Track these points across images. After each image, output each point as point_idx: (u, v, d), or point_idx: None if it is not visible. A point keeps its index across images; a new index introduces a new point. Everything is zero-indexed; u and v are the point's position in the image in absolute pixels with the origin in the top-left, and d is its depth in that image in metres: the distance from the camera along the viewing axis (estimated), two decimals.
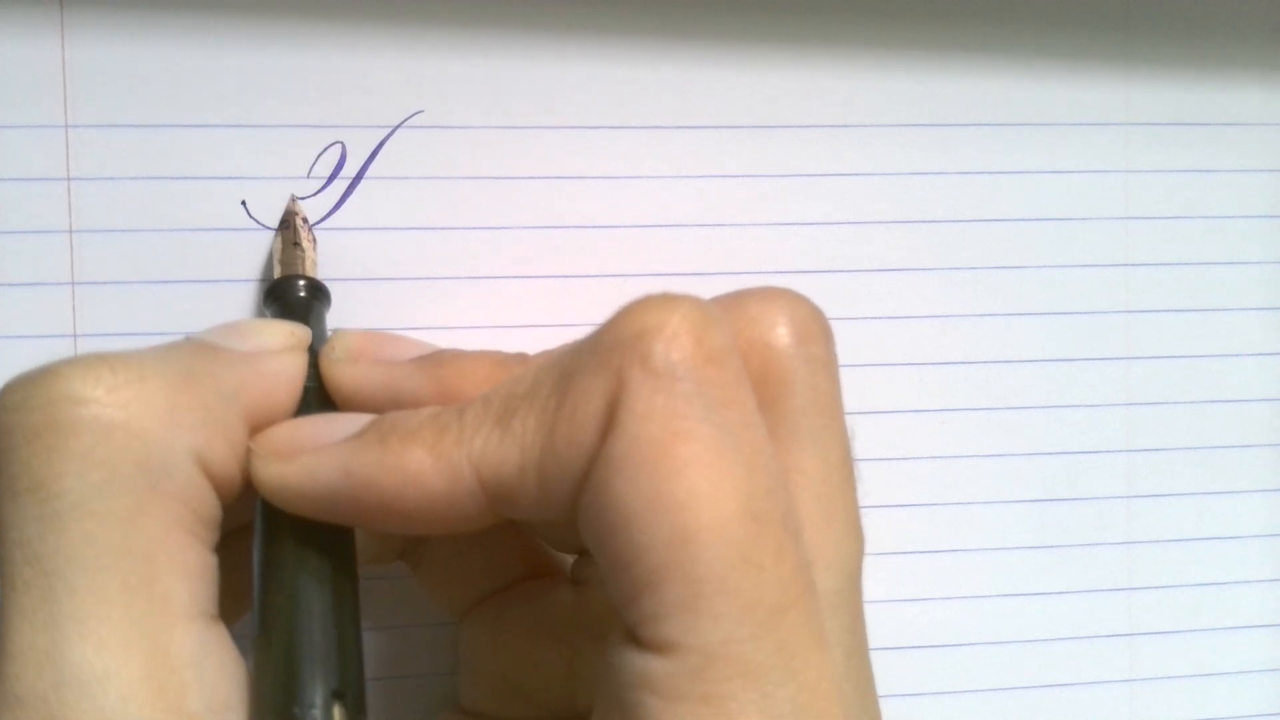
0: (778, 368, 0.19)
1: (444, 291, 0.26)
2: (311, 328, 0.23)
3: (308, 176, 0.26)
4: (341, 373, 0.21)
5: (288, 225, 0.25)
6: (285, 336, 0.21)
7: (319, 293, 0.24)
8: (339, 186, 0.26)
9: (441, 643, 0.27)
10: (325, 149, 0.26)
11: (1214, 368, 0.29)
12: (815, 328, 0.20)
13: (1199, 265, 0.29)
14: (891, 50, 0.28)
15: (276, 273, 0.25)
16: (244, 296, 0.26)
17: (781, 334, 0.20)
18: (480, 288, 0.27)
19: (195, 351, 0.20)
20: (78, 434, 0.17)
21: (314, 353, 0.22)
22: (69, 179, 0.26)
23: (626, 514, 0.16)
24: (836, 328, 0.28)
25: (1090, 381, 0.29)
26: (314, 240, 0.26)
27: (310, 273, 0.25)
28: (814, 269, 0.28)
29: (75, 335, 0.26)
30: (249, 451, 0.19)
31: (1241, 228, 0.29)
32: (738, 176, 0.27)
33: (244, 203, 0.26)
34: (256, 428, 0.20)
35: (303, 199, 0.26)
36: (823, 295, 0.27)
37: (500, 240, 0.27)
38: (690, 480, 0.16)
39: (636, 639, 0.17)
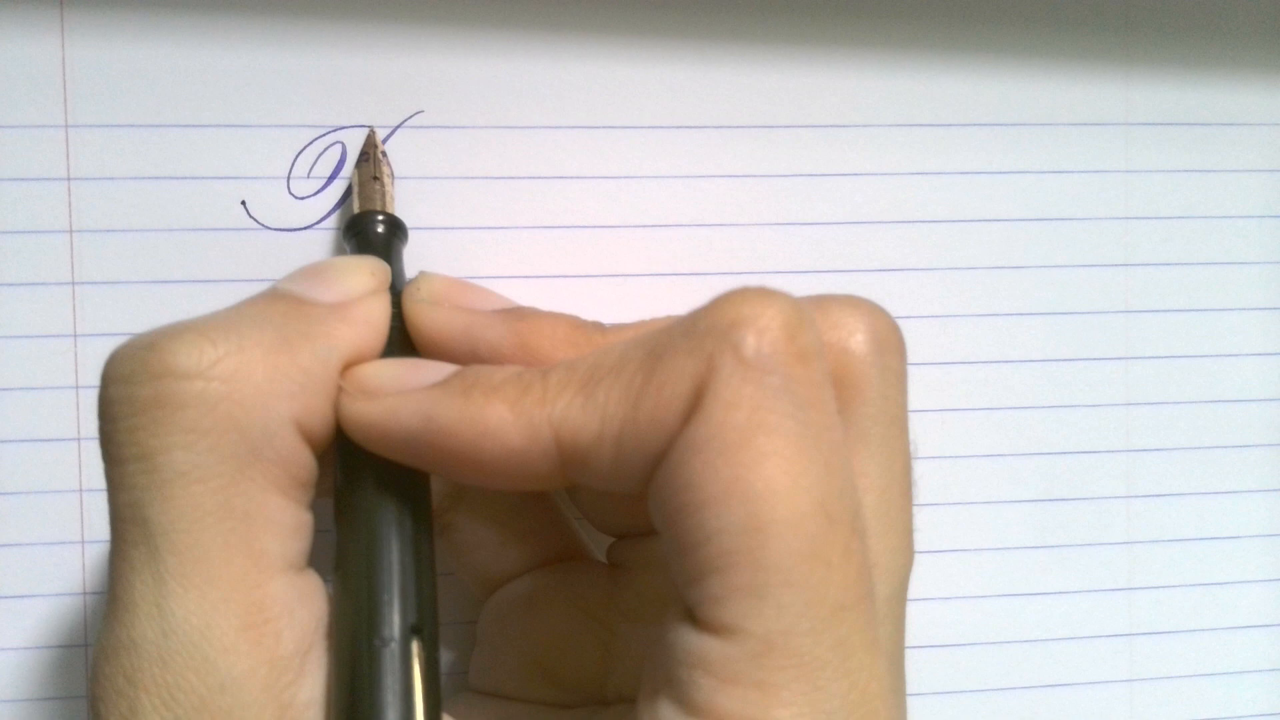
0: (854, 374, 0.20)
1: None
2: (390, 264, 0.23)
3: (308, 176, 0.26)
4: (424, 314, 0.22)
5: (367, 159, 0.25)
6: (368, 278, 0.22)
7: (397, 229, 0.25)
8: (339, 187, 0.26)
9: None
10: (325, 149, 0.26)
11: (1214, 368, 0.29)
12: (893, 340, 0.21)
13: (1199, 265, 0.29)
14: (891, 50, 0.28)
15: (356, 207, 0.25)
16: (243, 297, 0.26)
17: (861, 341, 0.20)
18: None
19: (286, 310, 0.20)
20: (183, 408, 0.18)
21: (392, 290, 0.22)
22: (69, 179, 0.26)
23: (702, 496, 0.17)
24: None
25: (1090, 381, 0.29)
26: (393, 175, 0.26)
27: (389, 208, 0.25)
28: (814, 269, 0.28)
29: (75, 335, 0.26)
30: (338, 389, 0.20)
31: (1241, 228, 0.29)
32: (738, 176, 0.27)
33: (244, 203, 0.26)
34: (348, 366, 0.20)
35: (302, 199, 0.26)
36: None
37: (500, 240, 0.27)
38: (769, 472, 0.17)
39: (696, 619, 0.17)
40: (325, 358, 0.20)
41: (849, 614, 0.17)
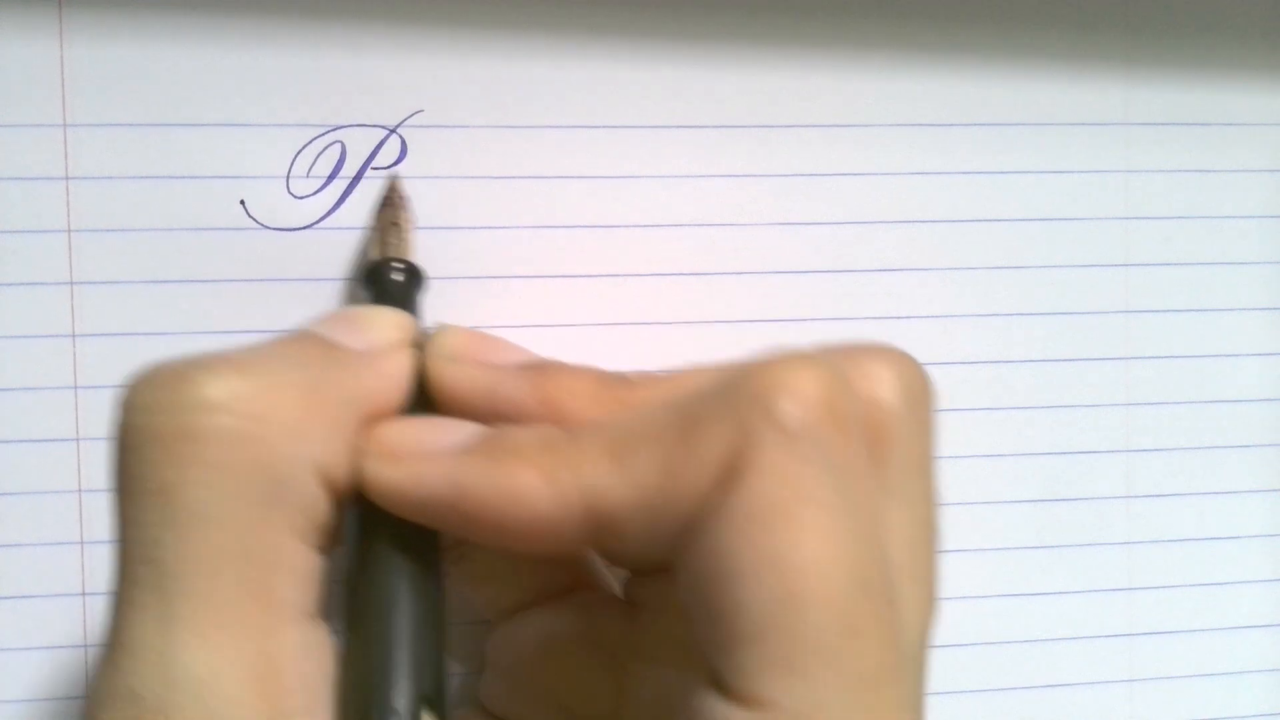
0: (884, 425, 0.20)
1: (444, 291, 0.26)
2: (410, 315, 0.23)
3: (307, 176, 0.26)
4: (445, 371, 0.21)
5: (389, 204, 0.25)
6: (395, 330, 0.21)
7: (415, 277, 0.24)
8: (339, 186, 0.26)
9: (456, 640, 0.27)
10: (325, 149, 0.26)
11: (1214, 368, 0.29)
12: (925, 390, 0.20)
13: (1199, 265, 0.29)
14: (891, 50, 0.28)
15: (374, 253, 0.25)
16: (243, 297, 0.26)
17: (891, 392, 0.20)
18: (480, 288, 0.27)
19: (317, 353, 0.20)
20: (209, 443, 0.17)
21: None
22: (67, 179, 0.25)
23: (737, 567, 0.16)
24: (836, 328, 0.28)
25: (1090, 381, 0.29)
26: (413, 221, 0.25)
27: (408, 256, 0.25)
28: (814, 269, 0.28)
29: (74, 335, 0.26)
30: (360, 450, 0.19)
31: (1241, 228, 0.29)
32: (738, 176, 0.27)
33: (243, 202, 0.26)
34: (368, 424, 0.20)
35: (302, 199, 0.26)
36: (823, 295, 0.28)
37: (500, 240, 0.27)
38: (807, 544, 0.16)
39: (725, 688, 0.17)
40: (350, 403, 0.19)
41: (881, 685, 0.17)
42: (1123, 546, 0.29)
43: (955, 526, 0.28)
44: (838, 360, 0.18)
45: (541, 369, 0.21)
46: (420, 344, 0.22)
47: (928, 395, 0.20)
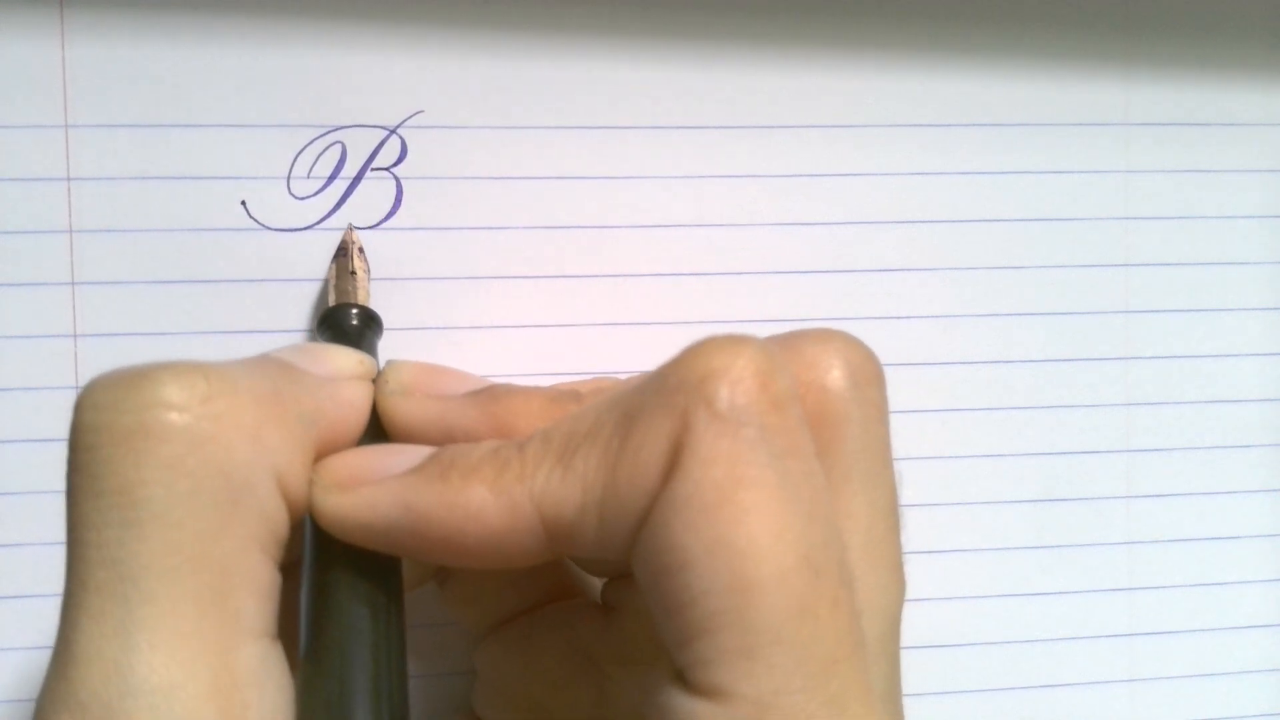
0: (833, 411, 0.19)
1: (444, 291, 0.26)
2: None
3: (308, 176, 0.26)
4: (396, 406, 0.21)
5: (344, 253, 0.26)
6: (356, 365, 0.21)
7: (371, 321, 0.25)
8: (340, 187, 0.26)
9: (448, 644, 0.27)
10: (325, 149, 0.26)
11: (1214, 368, 0.29)
12: (870, 371, 0.20)
13: (1199, 265, 0.29)
14: (891, 50, 0.28)
15: (331, 299, 0.25)
16: (243, 297, 0.26)
17: (838, 377, 0.20)
18: (480, 287, 0.27)
19: (279, 370, 0.19)
20: (169, 441, 0.17)
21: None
22: (69, 179, 0.26)
23: (685, 557, 0.16)
24: (837, 328, 0.27)
25: (1090, 381, 0.29)
26: (368, 269, 0.26)
27: (364, 301, 0.25)
28: (814, 269, 0.28)
29: (75, 335, 0.26)
30: (310, 481, 0.19)
31: (1241, 228, 0.29)
32: (738, 176, 0.27)
33: (244, 203, 0.26)
34: (321, 454, 0.19)
35: (302, 199, 0.26)
36: (823, 295, 0.28)
37: (500, 240, 0.27)
38: (752, 528, 0.16)
39: (686, 682, 0.17)
40: (308, 421, 0.19)
41: (841, 666, 0.16)
42: (1123, 546, 0.29)
43: (955, 526, 0.28)
44: (781, 349, 0.18)
45: (491, 394, 0.21)
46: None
47: (876, 377, 0.20)
